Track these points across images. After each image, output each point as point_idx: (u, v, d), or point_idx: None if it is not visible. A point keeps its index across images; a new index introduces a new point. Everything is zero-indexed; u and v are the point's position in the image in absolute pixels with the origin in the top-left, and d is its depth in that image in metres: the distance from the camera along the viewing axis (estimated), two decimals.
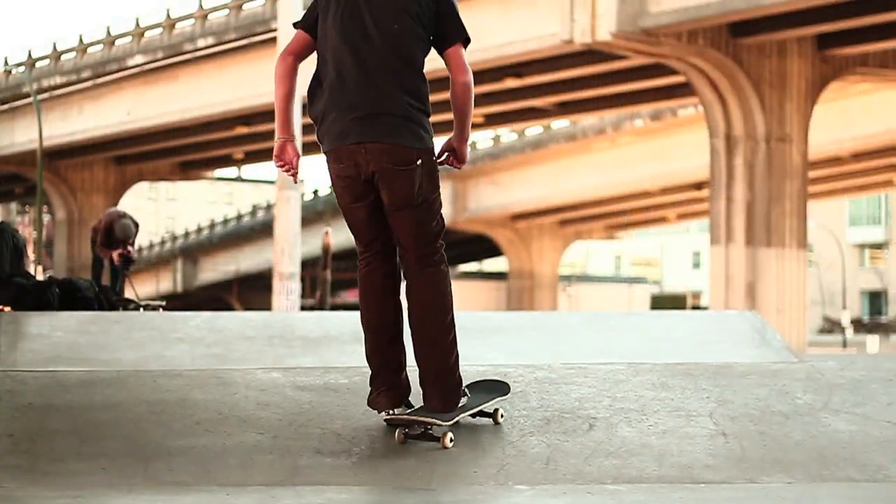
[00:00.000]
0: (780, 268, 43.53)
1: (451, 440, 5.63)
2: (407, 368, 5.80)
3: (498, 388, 5.99)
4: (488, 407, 5.89)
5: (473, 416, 5.82)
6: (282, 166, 5.76)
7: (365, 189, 5.54)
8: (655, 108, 58.09)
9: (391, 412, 5.69)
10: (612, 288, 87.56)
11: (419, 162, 5.47)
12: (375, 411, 5.76)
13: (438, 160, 5.66)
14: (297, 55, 5.52)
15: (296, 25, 5.60)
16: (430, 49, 5.55)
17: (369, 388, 5.79)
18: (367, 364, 5.79)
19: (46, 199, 65.61)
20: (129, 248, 15.93)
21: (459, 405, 5.74)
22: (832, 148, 56.22)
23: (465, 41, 5.55)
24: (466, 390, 5.84)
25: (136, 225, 16.17)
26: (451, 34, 5.50)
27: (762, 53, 43.19)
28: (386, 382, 5.71)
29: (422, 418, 5.59)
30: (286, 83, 5.53)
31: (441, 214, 5.66)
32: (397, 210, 5.50)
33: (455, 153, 5.70)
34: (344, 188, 5.59)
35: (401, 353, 5.73)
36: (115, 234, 15.83)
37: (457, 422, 5.72)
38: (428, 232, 5.57)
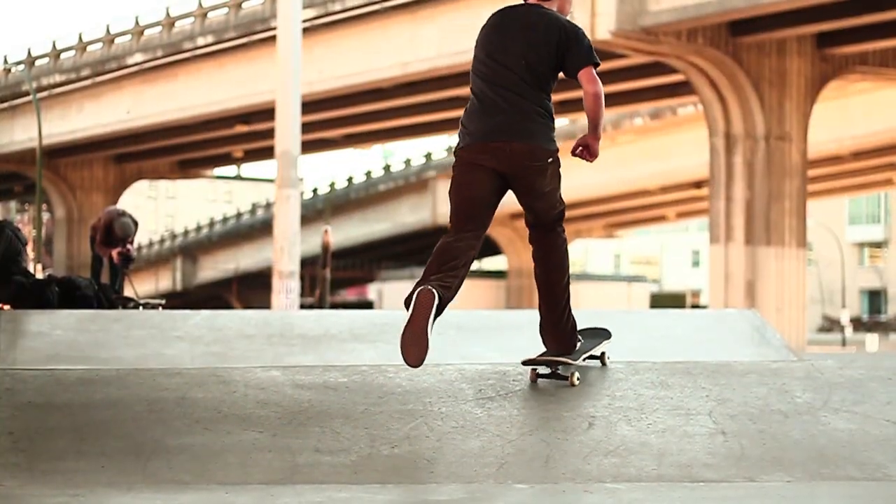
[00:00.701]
0: (779, 266, 43.55)
1: (578, 379, 6.51)
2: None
3: (602, 333, 6.91)
4: (596, 351, 6.75)
5: (585, 359, 6.66)
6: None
7: (495, 183, 6.53)
8: (655, 107, 58.05)
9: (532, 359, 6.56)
10: (612, 286, 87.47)
11: (549, 160, 6.51)
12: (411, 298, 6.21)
13: (573, 153, 6.64)
14: None
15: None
16: (558, 71, 6.54)
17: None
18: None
19: (46, 198, 65.62)
20: (129, 246, 15.92)
21: (577, 349, 6.63)
22: (832, 146, 56.21)
23: (595, 65, 6.54)
24: (580, 336, 6.72)
25: (136, 223, 16.16)
26: (579, 62, 6.48)
27: (762, 52, 43.20)
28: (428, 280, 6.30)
29: (554, 358, 6.50)
30: None
31: (563, 202, 6.73)
32: (529, 194, 6.58)
33: (588, 148, 6.59)
34: (474, 179, 6.49)
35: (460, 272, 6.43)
36: (115, 232, 15.82)
37: (583, 360, 6.59)
38: (555, 211, 6.69)
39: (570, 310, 6.69)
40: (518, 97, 6.42)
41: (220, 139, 63.55)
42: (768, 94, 43.38)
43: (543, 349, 6.67)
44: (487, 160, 6.44)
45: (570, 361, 6.53)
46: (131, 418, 6.01)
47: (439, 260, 6.36)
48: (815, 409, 6.31)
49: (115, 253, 15.82)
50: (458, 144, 6.55)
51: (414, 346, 6.09)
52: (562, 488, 5.51)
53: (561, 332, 6.63)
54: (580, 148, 6.60)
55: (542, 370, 6.58)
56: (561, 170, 6.60)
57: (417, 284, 6.22)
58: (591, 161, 6.67)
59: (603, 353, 6.82)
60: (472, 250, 6.47)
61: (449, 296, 6.27)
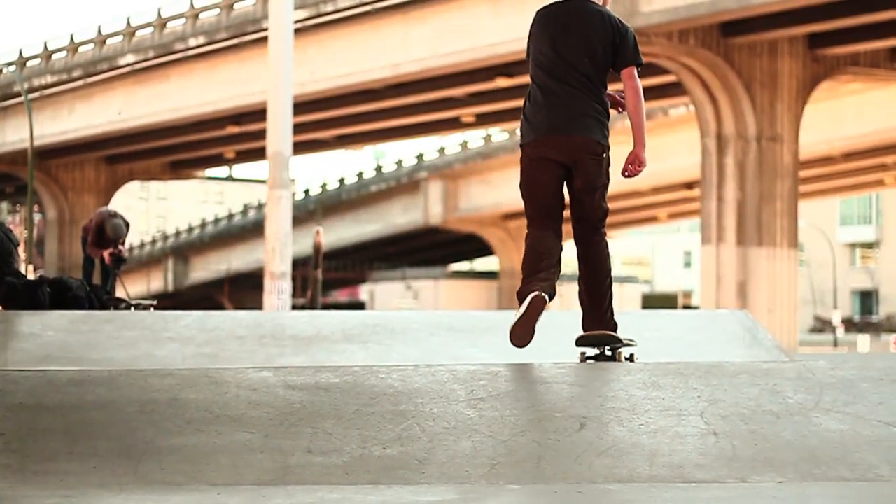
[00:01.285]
0: (770, 267, 43.59)
1: (625, 357, 7.04)
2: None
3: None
4: (626, 352, 7.13)
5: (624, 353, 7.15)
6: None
7: (561, 172, 6.92)
8: (646, 108, 58.02)
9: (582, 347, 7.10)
10: None
11: (604, 154, 6.90)
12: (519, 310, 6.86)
13: (623, 174, 7.03)
14: None
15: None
16: (609, 69, 6.93)
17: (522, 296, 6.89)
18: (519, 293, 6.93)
19: (37, 199, 65.57)
20: (121, 247, 15.92)
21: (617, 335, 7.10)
22: (823, 147, 56.31)
23: (638, 65, 6.95)
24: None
25: (127, 224, 16.15)
26: (627, 58, 6.90)
27: (753, 53, 43.26)
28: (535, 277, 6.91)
29: (603, 332, 7.00)
30: None
31: (607, 203, 7.08)
32: (585, 187, 6.92)
33: (637, 159, 6.97)
34: (543, 171, 6.95)
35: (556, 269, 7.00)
36: (107, 233, 15.81)
37: (626, 344, 7.08)
38: (601, 210, 7.02)
39: (612, 308, 7.13)
40: (579, 92, 6.81)
41: (211, 140, 63.53)
42: (760, 95, 43.43)
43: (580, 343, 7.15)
44: (552, 153, 6.87)
45: (617, 336, 7.07)
46: (123, 419, 6.01)
47: (538, 257, 6.93)
48: (807, 410, 6.32)
49: (106, 254, 15.81)
50: (524, 139, 7.01)
51: (523, 339, 6.82)
52: (554, 489, 5.51)
53: (605, 322, 7.06)
54: (630, 165, 6.99)
55: (590, 352, 7.09)
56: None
57: (527, 282, 6.84)
58: (641, 171, 7.03)
59: (632, 355, 7.19)
60: (561, 241, 6.98)
61: (553, 293, 6.87)
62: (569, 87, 6.81)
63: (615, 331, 7.10)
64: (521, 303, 6.80)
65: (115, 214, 16.25)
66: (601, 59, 6.85)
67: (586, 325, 7.10)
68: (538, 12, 7.02)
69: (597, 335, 7.04)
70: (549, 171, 6.94)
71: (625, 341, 7.13)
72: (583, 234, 7.09)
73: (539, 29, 6.96)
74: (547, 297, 6.79)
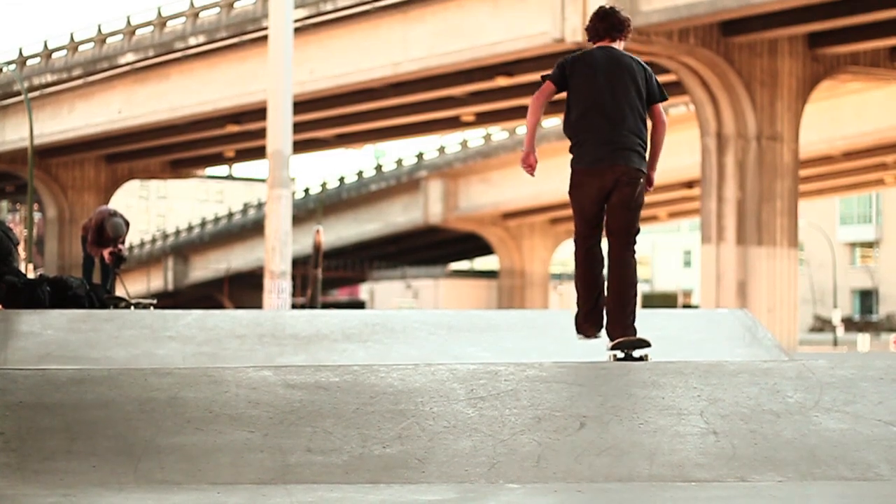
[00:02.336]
0: (770, 266, 43.57)
1: (648, 358, 7.63)
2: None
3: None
4: (637, 353, 7.73)
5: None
6: (527, 168, 7.94)
7: (603, 194, 7.80)
8: None
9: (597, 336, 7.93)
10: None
11: (641, 179, 7.81)
12: (581, 337, 7.96)
13: None
14: (546, 98, 8.02)
15: (543, 78, 8.05)
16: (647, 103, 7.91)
17: (578, 327, 7.97)
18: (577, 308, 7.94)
19: (37, 198, 65.54)
20: (120, 246, 15.91)
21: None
22: (823, 147, 56.26)
23: (664, 100, 7.97)
24: None
25: (127, 223, 16.15)
26: (656, 96, 7.90)
27: (753, 52, 43.23)
28: (594, 320, 7.90)
29: (635, 338, 7.71)
30: (536, 115, 8.01)
31: (639, 225, 8.02)
32: (627, 208, 7.80)
33: (647, 178, 7.90)
34: (589, 191, 7.82)
35: (601, 300, 7.92)
36: (107, 232, 15.80)
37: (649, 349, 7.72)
38: (634, 229, 7.90)
39: (635, 314, 7.88)
40: (624, 128, 7.77)
41: (211, 139, 63.49)
42: (760, 95, 43.40)
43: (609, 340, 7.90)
44: (599, 176, 7.77)
45: (644, 340, 7.76)
46: (123, 418, 6.01)
47: (589, 286, 7.89)
48: (807, 409, 6.32)
49: (106, 253, 15.81)
50: (575, 162, 7.88)
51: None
52: (553, 488, 5.51)
53: (632, 327, 7.75)
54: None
55: (619, 354, 7.73)
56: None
57: (585, 319, 7.86)
58: (650, 190, 7.99)
59: (647, 355, 7.76)
60: (602, 251, 7.94)
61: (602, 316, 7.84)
62: (616, 124, 7.76)
63: (635, 335, 7.76)
64: (579, 333, 7.88)
65: (115, 213, 16.24)
66: (642, 96, 7.84)
67: (615, 331, 7.76)
68: (575, 57, 8.00)
69: (632, 340, 7.68)
70: (596, 191, 7.82)
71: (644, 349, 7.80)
72: (616, 249, 7.93)
73: (583, 70, 7.91)
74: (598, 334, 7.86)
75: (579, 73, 7.94)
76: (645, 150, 7.87)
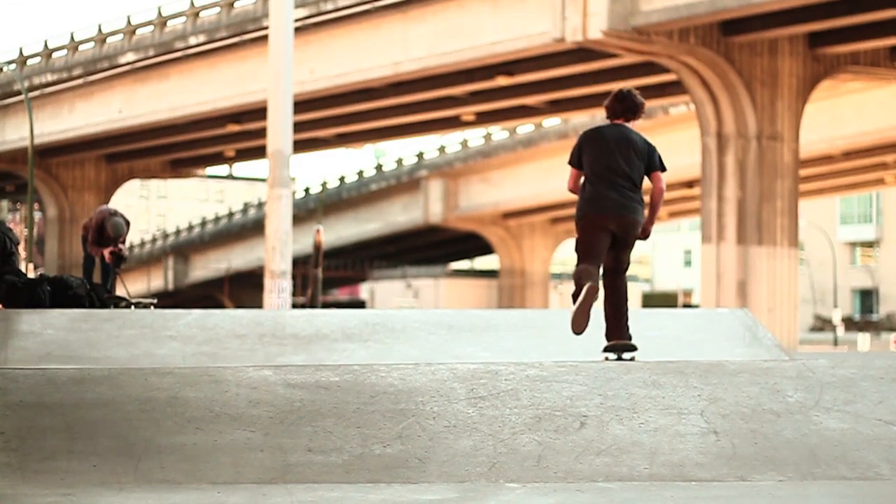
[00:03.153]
0: (771, 266, 43.55)
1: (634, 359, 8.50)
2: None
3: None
4: (627, 355, 8.80)
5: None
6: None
7: (608, 234, 9.06)
8: (647, 107, 57.87)
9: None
10: None
11: (638, 228, 9.12)
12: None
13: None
14: (576, 181, 9.28)
15: (571, 164, 9.29)
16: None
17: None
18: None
19: (37, 197, 65.53)
20: (121, 245, 15.92)
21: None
22: (823, 146, 56.26)
23: (663, 170, 9.28)
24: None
25: (128, 223, 16.15)
26: (656, 166, 9.22)
27: (753, 52, 43.21)
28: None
29: (626, 342, 8.83)
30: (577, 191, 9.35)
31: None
32: (624, 247, 9.13)
33: (644, 230, 9.18)
34: (597, 231, 9.09)
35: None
36: (107, 232, 15.81)
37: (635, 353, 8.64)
38: (627, 264, 9.23)
39: (628, 324, 9.01)
40: (626, 190, 9.08)
41: (211, 138, 63.47)
42: (760, 94, 43.38)
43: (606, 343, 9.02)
44: (606, 222, 9.07)
45: (633, 345, 8.85)
46: (123, 418, 6.01)
47: (587, 271, 8.86)
48: (807, 409, 6.32)
49: (106, 252, 15.81)
50: (583, 210, 9.14)
51: (581, 326, 8.64)
52: (553, 487, 5.51)
53: (626, 336, 8.91)
54: (640, 235, 9.25)
55: (611, 356, 8.81)
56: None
57: (580, 286, 8.76)
58: (644, 240, 9.29)
59: (633, 357, 8.76)
60: (599, 271, 9.06)
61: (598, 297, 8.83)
62: (618, 187, 9.08)
63: (630, 340, 8.92)
64: (575, 300, 8.73)
65: (115, 213, 16.25)
66: (641, 168, 9.16)
67: (612, 336, 8.97)
68: (588, 132, 9.32)
69: (623, 344, 8.81)
70: (601, 233, 9.09)
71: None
72: (611, 279, 9.25)
73: (594, 143, 9.20)
74: (597, 289, 8.77)
75: (589, 146, 9.27)
76: (642, 206, 9.17)
